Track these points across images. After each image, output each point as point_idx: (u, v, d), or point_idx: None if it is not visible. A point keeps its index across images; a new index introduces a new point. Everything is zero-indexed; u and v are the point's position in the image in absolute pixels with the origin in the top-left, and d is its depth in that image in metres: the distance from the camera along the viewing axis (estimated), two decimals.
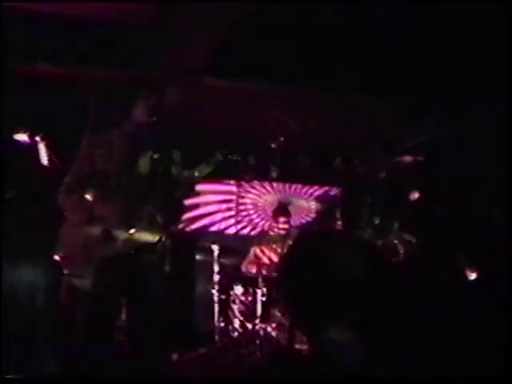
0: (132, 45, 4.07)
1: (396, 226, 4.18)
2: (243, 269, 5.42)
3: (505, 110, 3.58)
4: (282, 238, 5.38)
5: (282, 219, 5.46)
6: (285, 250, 5.30)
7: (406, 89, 4.54)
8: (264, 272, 5.14)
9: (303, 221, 6.14)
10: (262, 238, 5.73)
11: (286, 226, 5.44)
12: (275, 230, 5.51)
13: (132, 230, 2.98)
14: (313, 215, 5.83)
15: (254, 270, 5.32)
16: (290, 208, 5.96)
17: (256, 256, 5.45)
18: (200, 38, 4.16)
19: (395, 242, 3.93)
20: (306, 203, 6.28)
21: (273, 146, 6.14)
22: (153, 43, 4.18)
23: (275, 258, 5.36)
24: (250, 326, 4.92)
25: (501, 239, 3.28)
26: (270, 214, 5.76)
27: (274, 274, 5.11)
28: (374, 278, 1.72)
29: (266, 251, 5.46)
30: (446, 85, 4.48)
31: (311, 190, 6.53)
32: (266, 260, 5.42)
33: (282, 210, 5.66)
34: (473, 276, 2.75)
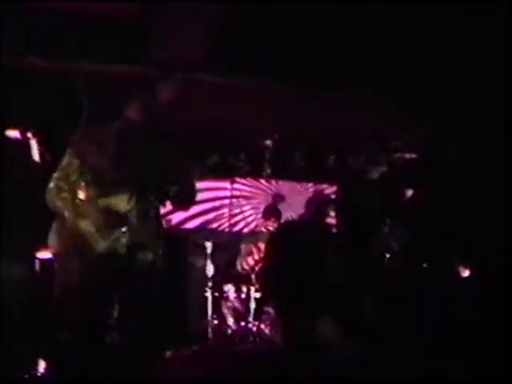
0: (125, 40, 4.04)
1: (390, 223, 4.18)
2: (238, 266, 5.42)
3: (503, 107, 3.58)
4: None
5: (271, 219, 5.51)
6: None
7: (401, 86, 4.53)
8: (257, 269, 5.14)
9: (296, 218, 6.11)
10: (255, 235, 5.73)
11: (276, 226, 5.46)
12: (265, 229, 5.56)
13: (124, 228, 2.95)
14: (306, 213, 5.82)
15: (247, 267, 5.33)
16: (284, 205, 5.95)
17: (249, 253, 5.45)
18: (193, 34, 4.13)
19: (389, 239, 3.92)
20: (299, 201, 6.26)
21: (267, 143, 6.12)
22: (146, 39, 4.14)
23: None
24: (243, 323, 4.90)
25: (500, 238, 3.27)
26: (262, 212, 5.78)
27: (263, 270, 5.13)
28: (366, 273, 1.71)
29: (259, 248, 5.46)
30: (442, 82, 4.47)
31: (305, 188, 6.51)
32: (258, 257, 5.42)
33: (271, 210, 5.68)
34: (469, 274, 2.74)
